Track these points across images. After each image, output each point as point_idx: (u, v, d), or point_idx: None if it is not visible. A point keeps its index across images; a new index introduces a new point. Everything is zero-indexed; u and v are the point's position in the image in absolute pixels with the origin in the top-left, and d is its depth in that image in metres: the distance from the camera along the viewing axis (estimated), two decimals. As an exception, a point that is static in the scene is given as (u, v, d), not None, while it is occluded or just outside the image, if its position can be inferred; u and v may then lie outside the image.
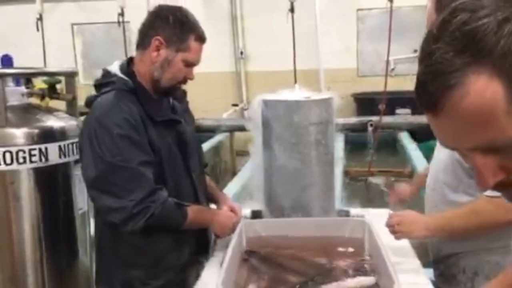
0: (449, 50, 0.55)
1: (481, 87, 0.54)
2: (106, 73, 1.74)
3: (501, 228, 1.42)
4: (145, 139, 1.65)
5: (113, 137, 1.60)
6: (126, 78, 1.70)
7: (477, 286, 1.58)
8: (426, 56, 0.57)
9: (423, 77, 0.58)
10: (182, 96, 1.90)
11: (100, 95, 1.69)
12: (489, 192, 1.26)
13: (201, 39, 1.71)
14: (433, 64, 0.56)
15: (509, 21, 0.53)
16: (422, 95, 0.59)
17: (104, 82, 1.72)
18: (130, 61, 1.76)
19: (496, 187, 0.62)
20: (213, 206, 1.95)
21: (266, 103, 1.74)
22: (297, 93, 1.75)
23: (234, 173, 6.09)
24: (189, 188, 1.79)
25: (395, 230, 1.56)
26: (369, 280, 1.34)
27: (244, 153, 6.33)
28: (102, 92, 1.69)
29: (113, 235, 1.73)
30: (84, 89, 2.26)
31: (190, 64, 1.71)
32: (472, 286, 1.60)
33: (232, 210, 1.83)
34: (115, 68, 1.73)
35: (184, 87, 1.86)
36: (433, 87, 0.57)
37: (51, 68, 2.19)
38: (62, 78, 2.16)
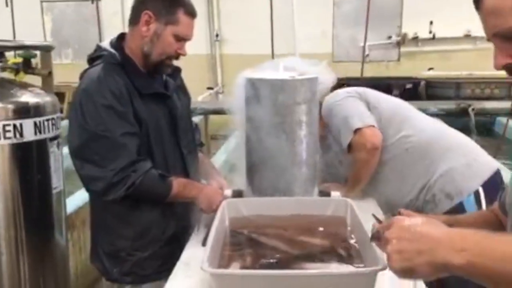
0: None
1: None
2: (98, 48, 1.79)
3: None
4: (130, 110, 1.68)
5: (97, 107, 1.63)
6: (114, 51, 1.74)
7: None
8: None
9: None
10: (176, 73, 1.92)
11: (90, 68, 1.72)
12: None
13: (191, 13, 1.74)
14: None
15: None
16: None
17: (95, 56, 1.76)
18: (121, 36, 1.80)
19: (505, 69, 0.89)
20: (204, 182, 1.95)
21: (250, 81, 1.72)
22: (282, 72, 1.74)
23: (208, 157, 6.06)
24: (178, 163, 1.82)
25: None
26: (352, 269, 1.32)
27: (219, 137, 6.31)
28: (92, 65, 1.73)
29: (101, 206, 1.77)
30: (54, 68, 2.20)
31: (180, 39, 1.74)
32: None
33: (221, 186, 1.84)
34: (106, 43, 1.78)
35: None
36: None
37: (25, 41, 2.10)
38: (38, 53, 2.09)
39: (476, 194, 1.98)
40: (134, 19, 1.75)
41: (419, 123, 2.14)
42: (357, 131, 2.00)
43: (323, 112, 2.09)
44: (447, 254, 0.80)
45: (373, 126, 2.02)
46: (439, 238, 0.82)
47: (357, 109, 2.06)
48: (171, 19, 1.71)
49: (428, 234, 0.83)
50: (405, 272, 0.86)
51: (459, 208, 1.96)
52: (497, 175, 2.04)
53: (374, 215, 1.12)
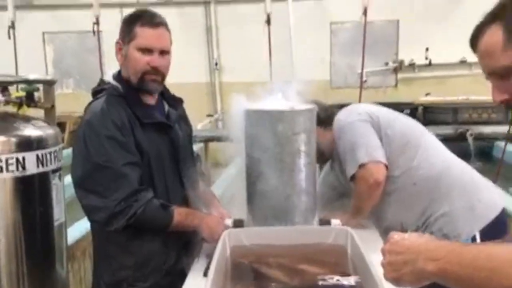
0: (489, 14, 0.97)
1: (492, 33, 0.95)
2: (101, 82, 1.85)
3: None
4: (131, 140, 1.71)
5: (100, 138, 1.67)
6: (116, 84, 1.79)
7: None
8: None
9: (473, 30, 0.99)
10: (177, 103, 1.96)
11: (94, 101, 1.78)
12: None
13: (149, 23, 1.74)
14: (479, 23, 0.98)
15: None
16: (471, 39, 1.00)
17: (99, 89, 1.82)
18: None
19: (503, 105, 0.99)
20: (205, 211, 1.96)
21: (249, 112, 1.75)
22: (280, 103, 1.77)
23: (209, 184, 6.05)
24: (179, 192, 1.84)
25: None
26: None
27: (219, 164, 6.32)
28: (96, 98, 1.78)
29: (104, 236, 1.78)
30: (55, 97, 2.24)
31: (146, 50, 1.74)
32: None
33: (222, 216, 1.85)
34: (109, 76, 1.84)
35: None
36: (473, 33, 0.99)
37: (29, 75, 2.14)
38: (40, 86, 2.13)
39: (473, 239, 1.94)
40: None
41: (431, 154, 2.08)
42: (361, 165, 1.98)
43: (334, 127, 2.09)
44: (424, 263, 0.91)
45: (379, 161, 1.99)
46: (419, 249, 0.93)
47: (367, 139, 2.01)
48: (131, 36, 1.75)
49: (411, 246, 0.95)
50: (396, 281, 0.97)
51: None
52: (499, 218, 1.99)
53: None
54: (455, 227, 1.96)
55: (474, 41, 1.00)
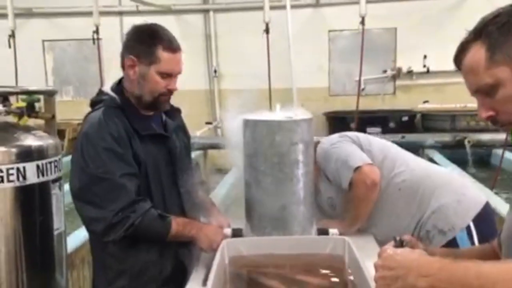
0: (472, 33, 1.00)
1: (475, 51, 0.98)
2: (100, 92, 1.86)
3: None
4: (129, 151, 1.72)
5: (98, 150, 1.69)
6: (114, 95, 1.80)
7: None
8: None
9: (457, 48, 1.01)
10: (175, 113, 1.97)
11: (92, 112, 1.79)
12: None
13: (171, 48, 1.76)
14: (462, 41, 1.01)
15: (500, 19, 0.96)
16: (454, 57, 1.02)
17: (97, 100, 1.83)
18: (122, 80, 1.86)
19: (490, 121, 1.01)
20: (204, 219, 1.97)
21: (248, 123, 1.77)
22: (278, 113, 1.79)
23: (208, 191, 6.05)
24: (176, 202, 1.86)
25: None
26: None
27: (217, 172, 6.33)
28: (94, 109, 1.80)
29: (101, 246, 1.80)
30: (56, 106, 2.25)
31: (166, 75, 1.77)
32: None
33: (221, 225, 1.86)
34: (107, 87, 1.84)
35: None
36: (457, 51, 1.01)
37: (29, 86, 2.16)
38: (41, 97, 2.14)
39: (468, 229, 2.03)
40: (122, 64, 1.82)
41: (410, 163, 2.20)
42: (356, 169, 2.04)
43: (318, 157, 2.14)
44: (415, 279, 0.92)
45: (372, 164, 2.07)
46: (411, 265, 0.94)
47: (354, 150, 2.11)
48: (152, 59, 1.75)
49: (402, 262, 0.96)
50: None
51: (453, 243, 2.00)
52: (486, 209, 2.10)
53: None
54: (448, 221, 2.04)
55: (458, 59, 1.02)
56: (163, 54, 1.75)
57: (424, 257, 0.96)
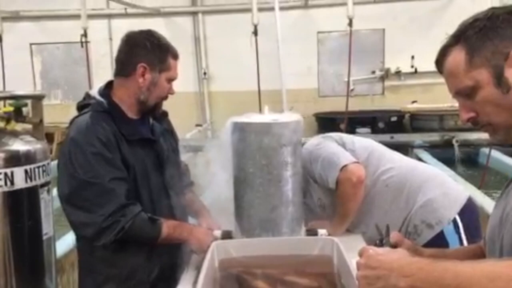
0: (452, 37, 1.03)
1: (455, 54, 1.01)
2: (87, 96, 1.85)
3: None
4: (117, 156, 1.73)
5: (86, 155, 1.68)
6: (102, 99, 1.80)
7: None
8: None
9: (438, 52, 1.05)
10: (162, 117, 1.99)
11: (79, 116, 1.79)
12: None
13: (176, 56, 1.87)
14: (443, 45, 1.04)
15: (478, 24, 0.99)
16: (436, 61, 1.06)
17: (84, 104, 1.82)
18: (109, 84, 1.86)
19: (470, 122, 1.04)
20: (194, 221, 1.97)
21: (236, 125, 1.78)
22: (267, 115, 1.80)
23: (199, 193, 6.03)
24: (165, 205, 1.86)
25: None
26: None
27: (208, 174, 6.31)
28: (81, 113, 1.79)
29: (88, 251, 1.79)
30: (43, 108, 2.24)
31: (171, 81, 1.86)
32: None
33: (211, 227, 1.87)
34: (94, 91, 1.84)
35: None
36: (438, 54, 1.05)
37: (17, 91, 2.15)
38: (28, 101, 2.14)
39: (454, 222, 2.07)
40: (124, 71, 1.81)
41: (395, 160, 2.23)
42: (342, 168, 2.06)
43: (302, 160, 2.15)
44: (396, 279, 0.93)
45: (357, 162, 2.10)
46: (392, 265, 0.95)
47: (338, 149, 2.14)
48: (164, 67, 1.81)
49: (384, 261, 0.97)
50: None
51: (440, 236, 2.05)
52: (470, 202, 2.16)
53: (376, 225, 1.23)
54: (435, 215, 2.08)
55: (439, 62, 1.05)
56: (172, 62, 1.83)
57: (405, 257, 0.97)
